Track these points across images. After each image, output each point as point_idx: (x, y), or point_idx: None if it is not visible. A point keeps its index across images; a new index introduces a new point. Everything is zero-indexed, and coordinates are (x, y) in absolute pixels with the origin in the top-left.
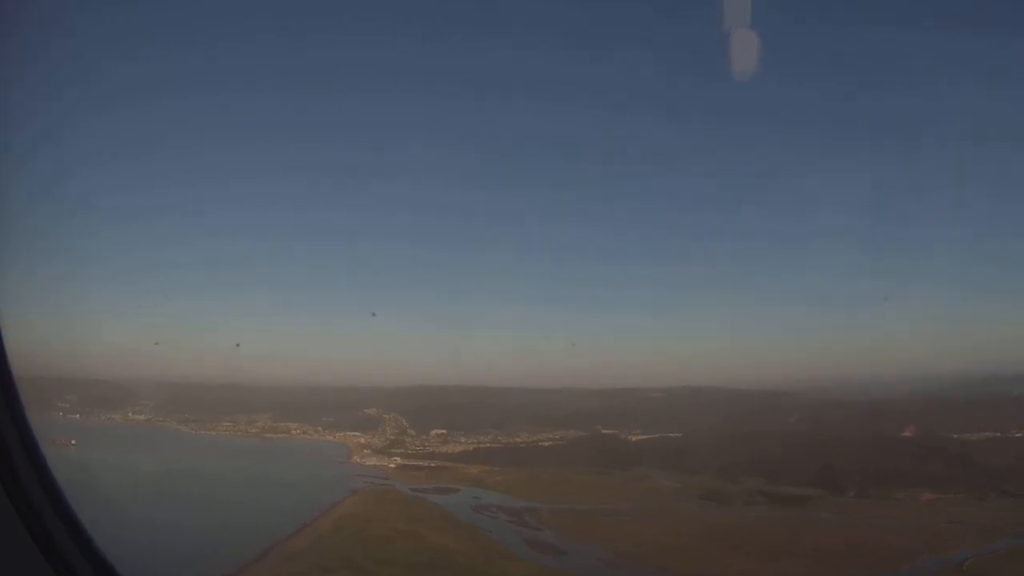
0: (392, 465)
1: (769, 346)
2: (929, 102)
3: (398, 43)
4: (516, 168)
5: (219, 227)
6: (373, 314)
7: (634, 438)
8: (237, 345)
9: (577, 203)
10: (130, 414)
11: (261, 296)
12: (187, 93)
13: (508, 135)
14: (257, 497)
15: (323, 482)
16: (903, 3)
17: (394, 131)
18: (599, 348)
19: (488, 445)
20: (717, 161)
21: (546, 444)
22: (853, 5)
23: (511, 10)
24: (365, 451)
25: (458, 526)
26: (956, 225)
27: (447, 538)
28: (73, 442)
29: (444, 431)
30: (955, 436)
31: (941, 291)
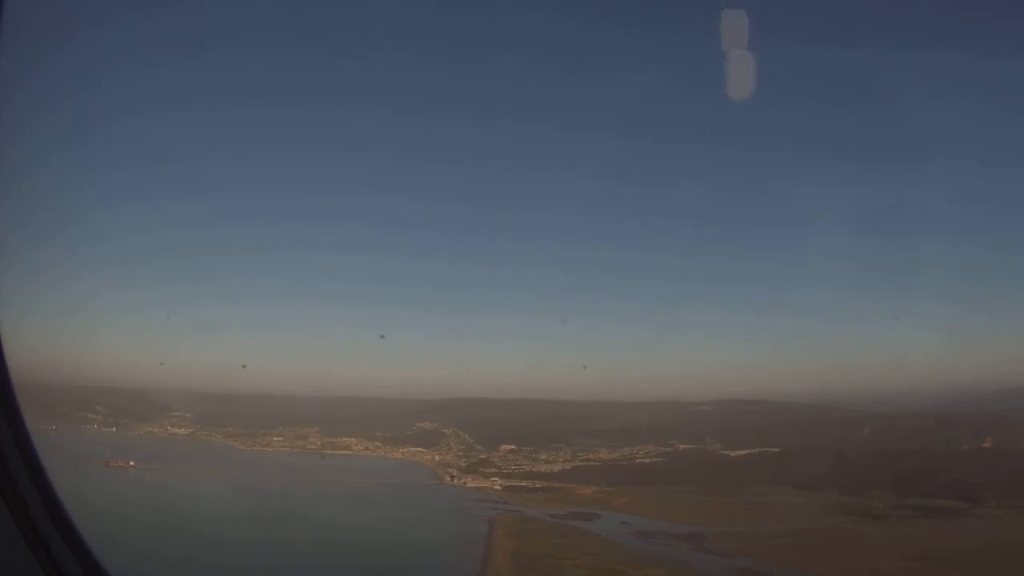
0: (497, 487)
1: (800, 359)
2: (944, 118)
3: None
4: (550, 186)
5: (244, 239)
6: (382, 336)
7: (734, 454)
8: (243, 367)
9: (603, 221)
10: (169, 427)
11: (290, 307)
12: (202, 103)
13: (520, 154)
14: (393, 529)
15: (442, 509)
16: (908, 21)
17: (419, 148)
18: (620, 362)
19: (577, 463)
20: (754, 178)
21: (647, 461)
22: (856, 24)
23: (507, 32)
24: (450, 470)
25: (650, 560)
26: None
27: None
28: (132, 463)
29: (513, 446)
30: None
31: (963, 308)
